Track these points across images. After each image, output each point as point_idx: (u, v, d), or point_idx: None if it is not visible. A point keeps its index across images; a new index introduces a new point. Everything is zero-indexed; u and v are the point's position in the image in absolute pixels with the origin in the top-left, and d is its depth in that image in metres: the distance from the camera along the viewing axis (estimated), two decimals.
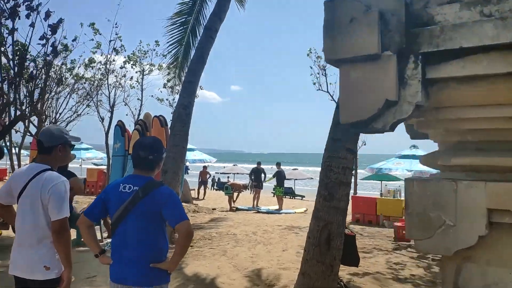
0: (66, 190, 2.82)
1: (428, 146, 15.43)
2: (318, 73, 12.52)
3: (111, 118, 16.39)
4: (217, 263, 6.65)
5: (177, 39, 12.10)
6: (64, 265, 2.78)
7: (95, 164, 25.12)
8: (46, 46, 8.13)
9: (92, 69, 17.23)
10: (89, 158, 22.61)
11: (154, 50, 17.97)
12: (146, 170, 2.82)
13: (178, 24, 12.18)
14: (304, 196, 25.49)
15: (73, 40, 10.81)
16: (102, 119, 17.36)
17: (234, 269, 6.38)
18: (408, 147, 14.92)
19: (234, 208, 14.95)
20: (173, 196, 2.75)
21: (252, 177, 16.18)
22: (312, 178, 30.11)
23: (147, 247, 2.68)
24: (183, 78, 11.75)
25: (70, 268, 2.80)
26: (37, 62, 9.51)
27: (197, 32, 12.35)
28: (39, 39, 8.04)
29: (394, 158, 14.56)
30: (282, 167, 16.13)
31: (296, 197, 24.86)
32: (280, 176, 15.61)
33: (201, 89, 19.70)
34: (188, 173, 20.99)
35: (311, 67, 12.72)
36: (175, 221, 2.65)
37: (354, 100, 1.79)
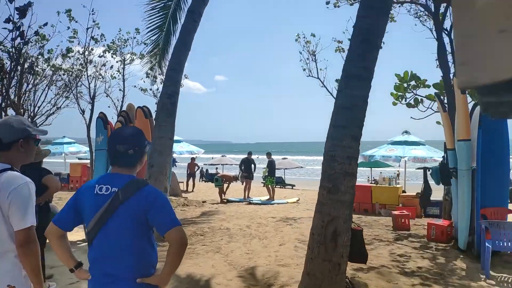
0: (30, 193, 2.33)
1: (418, 131, 15.19)
2: (307, 59, 12.08)
3: (92, 110, 15.69)
4: (212, 262, 6.21)
5: (157, 24, 11.43)
6: (33, 282, 2.32)
7: (79, 158, 24.33)
8: (14, 31, 7.43)
9: (70, 59, 16.44)
10: (73, 152, 21.81)
11: (135, 38, 17.24)
12: (126, 167, 2.34)
13: (158, 9, 11.51)
14: (294, 185, 25.26)
15: (44, 25, 10.02)
16: (83, 112, 16.64)
17: (230, 268, 5.95)
18: (400, 133, 14.66)
19: (225, 200, 14.52)
20: (160, 197, 2.27)
21: (242, 167, 15.73)
22: (302, 167, 30.01)
23: (131, 259, 2.23)
24: (164, 67, 11.16)
25: (41, 285, 2.33)
26: (11, 53, 8.82)
27: (178, 17, 11.74)
28: (4, 21, 7.32)
29: (387, 144, 14.26)
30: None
31: (286, 187, 24.57)
32: (271, 166, 15.20)
33: (186, 77, 19.07)
34: (176, 166, 20.40)
35: (301, 53, 12.26)
36: (164, 228, 2.19)
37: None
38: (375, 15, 4.44)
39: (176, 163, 20.52)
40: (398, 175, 13.80)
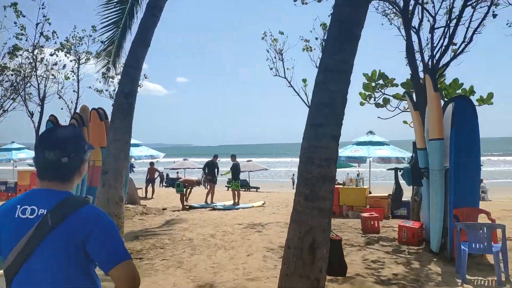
0: None
1: (383, 132, 15.21)
2: (274, 58, 11.67)
3: (41, 112, 14.51)
4: (173, 279, 5.59)
5: (113, 20, 10.61)
6: None
7: (30, 165, 22.64)
8: None
9: (18, 57, 15.16)
10: (22, 159, 20.23)
11: (91, 36, 16.17)
12: (59, 180, 1.74)
13: (115, 3, 10.70)
14: (259, 188, 24.89)
15: None
16: (32, 114, 15.37)
17: (194, 285, 5.36)
18: (364, 133, 14.59)
19: (187, 207, 13.79)
20: (102, 221, 1.68)
21: (206, 170, 15.08)
22: (266, 169, 29.68)
23: None
24: (120, 65, 10.38)
25: None
26: None
27: (135, 12, 10.99)
28: None
29: (352, 145, 14.13)
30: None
31: (251, 189, 24.14)
32: (236, 169, 14.64)
33: (146, 78, 18.20)
34: (133, 171, 19.39)
35: (267, 51, 11.83)
36: (108, 263, 1.61)
37: None
38: (354, 3, 4.04)
39: (134, 169, 19.51)
40: (358, 175, 13.74)
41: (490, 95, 8.72)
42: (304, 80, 11.14)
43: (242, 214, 12.28)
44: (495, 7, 7.94)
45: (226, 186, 21.93)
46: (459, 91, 8.81)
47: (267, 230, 8.93)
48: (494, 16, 7.64)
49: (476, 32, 8.10)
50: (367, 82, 9.20)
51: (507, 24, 6.61)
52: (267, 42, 11.75)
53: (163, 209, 13.22)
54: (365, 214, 9.15)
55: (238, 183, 14.44)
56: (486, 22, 7.88)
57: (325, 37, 4.19)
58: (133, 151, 17.19)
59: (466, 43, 8.22)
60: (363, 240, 7.98)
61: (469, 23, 8.24)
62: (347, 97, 4.03)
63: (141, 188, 18.08)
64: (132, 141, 17.68)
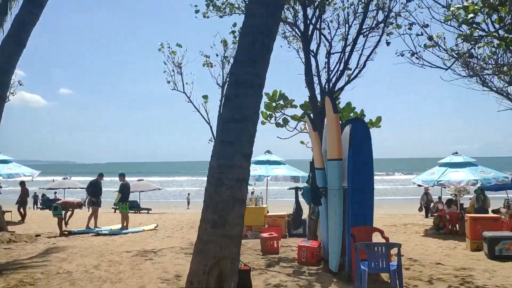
0: None
1: (282, 150, 15.53)
2: (172, 71, 11.05)
3: None
4: None
5: None
6: None
7: None
8: None
9: None
10: None
11: None
12: None
13: None
14: (150, 209, 23.40)
15: None
16: None
17: None
18: (262, 153, 14.71)
19: (66, 232, 12.06)
20: None
21: (90, 190, 13.49)
22: (160, 189, 28.21)
23: None
24: None
25: None
26: None
27: (8, 8, 9.51)
28: None
29: (250, 164, 14.07)
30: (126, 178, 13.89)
31: (141, 211, 22.55)
32: (125, 190, 13.35)
33: (20, 84, 15.88)
34: (0, 192, 16.60)
35: (165, 63, 11.14)
36: None
37: None
38: (266, 14, 3.78)
39: (0, 189, 16.71)
40: (252, 193, 13.77)
41: (378, 119, 9.41)
42: (205, 97, 10.72)
43: (132, 239, 11.15)
44: (389, 36, 8.64)
45: (113, 208, 20.13)
46: (352, 114, 9.33)
47: (161, 258, 8.13)
48: (388, 44, 8.29)
49: (368, 59, 8.68)
50: (268, 101, 9.20)
51: (396, 53, 7.10)
52: (164, 54, 11.11)
53: (37, 235, 11.34)
54: (265, 235, 8.97)
55: (126, 205, 13.19)
56: (386, 50, 8.48)
57: (236, 48, 3.83)
58: (1, 169, 14.77)
59: (359, 69, 8.75)
60: (263, 262, 7.72)
61: (362, 50, 8.82)
62: (259, 113, 3.73)
63: (11, 211, 15.49)
64: (0, 157, 15.25)
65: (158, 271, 6.95)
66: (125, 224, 13.03)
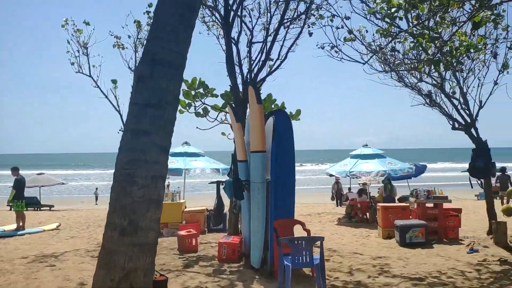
0: None
1: (201, 142, 14.99)
2: (78, 51, 9.80)
3: None
4: None
5: None
6: None
7: None
8: None
9: None
10: None
11: None
12: None
13: None
14: (53, 206, 21.16)
15: None
16: None
17: None
18: (180, 144, 14.03)
19: None
20: None
21: None
22: (63, 183, 25.71)
23: None
24: None
25: None
26: None
27: None
28: None
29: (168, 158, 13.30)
30: (21, 172, 12.20)
31: (42, 208, 20.29)
32: (19, 185, 11.70)
33: None
34: None
35: (69, 42, 9.85)
36: None
37: None
38: None
39: None
40: (168, 186, 13.09)
41: (298, 112, 9.37)
42: (114, 81, 9.71)
43: (29, 242, 9.79)
44: (312, 26, 8.55)
45: (8, 205, 17.79)
46: (273, 106, 9.14)
47: (63, 263, 7.17)
48: (310, 34, 8.19)
49: (290, 51, 8.54)
50: (187, 89, 8.59)
51: (317, 45, 7.00)
52: (68, 32, 9.82)
53: None
54: (182, 232, 8.42)
55: (22, 202, 11.60)
56: (309, 41, 8.37)
57: (152, 22, 3.24)
58: None
59: (281, 60, 8.57)
60: (181, 263, 7.20)
61: (283, 41, 8.64)
62: (179, 98, 3.21)
63: None
64: None
65: (59, 280, 6.05)
66: (21, 224, 11.45)
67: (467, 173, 8.31)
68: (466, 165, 8.46)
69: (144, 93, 2.95)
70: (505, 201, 14.61)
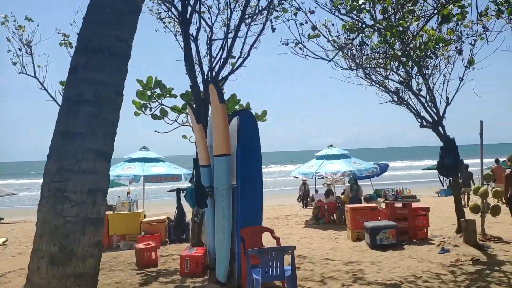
0: None
1: (160, 146, 14.26)
2: (20, 50, 8.88)
3: None
4: None
5: None
6: None
7: None
8: None
9: None
10: None
11: None
12: None
13: None
14: (2, 218, 19.51)
15: None
16: None
17: None
18: (138, 149, 13.30)
19: None
20: None
21: None
22: (14, 194, 23.94)
23: None
24: None
25: None
26: None
27: None
28: None
29: (123, 162, 12.55)
30: None
31: None
32: None
33: None
34: None
35: (9, 40, 8.91)
36: None
37: None
38: None
39: None
40: (128, 193, 12.36)
41: (264, 113, 8.96)
42: (63, 83, 8.88)
43: None
44: (275, 20, 8.16)
45: None
46: (237, 107, 8.67)
47: (3, 285, 6.34)
48: (273, 30, 7.79)
49: (253, 48, 8.12)
50: (142, 89, 7.94)
51: (280, 41, 6.62)
52: (8, 29, 8.88)
53: None
54: (140, 245, 7.75)
55: None
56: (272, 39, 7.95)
57: (88, 4, 2.68)
58: None
59: (243, 57, 8.12)
60: (138, 279, 6.56)
61: (245, 38, 8.21)
62: (123, 94, 2.66)
63: None
64: None
65: None
66: None
67: (428, 171, 8.24)
68: (426, 163, 8.38)
69: (77, 87, 2.39)
70: (466, 197, 14.87)
